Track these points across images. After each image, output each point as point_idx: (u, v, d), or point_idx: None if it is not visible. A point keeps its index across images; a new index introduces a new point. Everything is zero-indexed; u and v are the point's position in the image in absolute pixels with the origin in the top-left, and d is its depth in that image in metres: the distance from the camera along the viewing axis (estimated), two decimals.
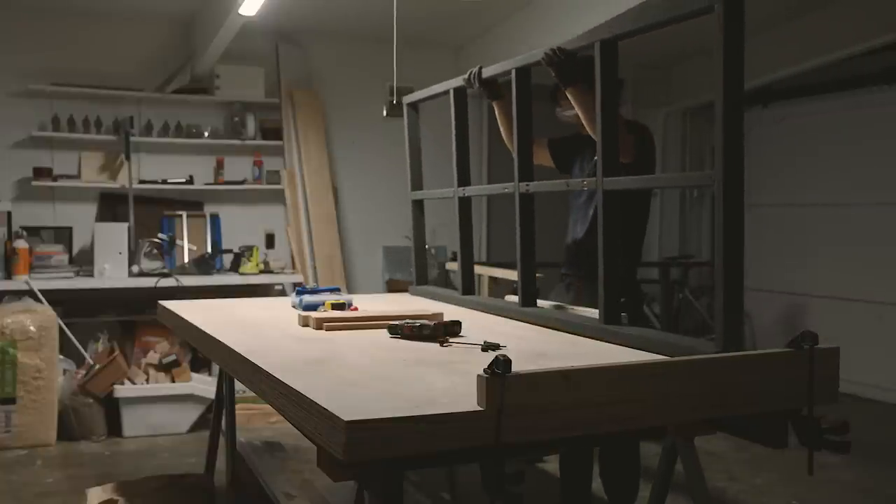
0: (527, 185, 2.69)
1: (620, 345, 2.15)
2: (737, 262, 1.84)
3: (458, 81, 3.08)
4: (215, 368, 4.65)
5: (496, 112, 3.11)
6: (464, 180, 3.11)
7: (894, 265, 5.59)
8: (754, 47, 5.98)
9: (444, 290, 3.39)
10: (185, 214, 5.85)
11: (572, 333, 2.36)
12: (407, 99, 3.49)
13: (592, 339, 2.27)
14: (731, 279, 1.84)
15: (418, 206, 3.54)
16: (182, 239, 5.81)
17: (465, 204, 3.13)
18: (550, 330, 2.50)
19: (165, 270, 5.31)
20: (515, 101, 2.67)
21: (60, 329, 4.67)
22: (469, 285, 3.18)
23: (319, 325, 2.47)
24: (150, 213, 5.72)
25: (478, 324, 2.59)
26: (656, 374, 1.59)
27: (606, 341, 2.21)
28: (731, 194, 1.82)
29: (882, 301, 5.65)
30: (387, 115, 6.43)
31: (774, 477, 3.93)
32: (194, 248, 5.78)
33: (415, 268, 3.56)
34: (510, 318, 2.73)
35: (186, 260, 5.67)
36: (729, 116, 1.80)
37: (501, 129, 3.14)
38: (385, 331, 2.36)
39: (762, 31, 5.61)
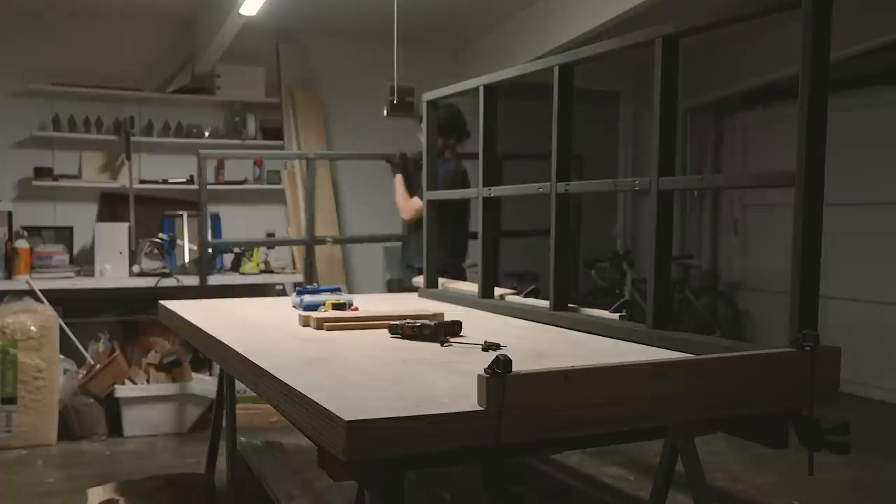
0: (565, 185, 2.60)
1: (670, 349, 2.07)
2: (814, 268, 1.83)
3: (487, 79, 3.02)
4: (215, 368, 4.65)
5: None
6: (490, 180, 3.06)
7: (894, 265, 5.59)
8: (755, 47, 6.00)
9: (458, 293, 3.32)
10: (185, 214, 5.85)
11: (620, 340, 2.27)
12: (427, 96, 3.46)
13: (641, 344, 2.18)
14: (808, 286, 1.81)
15: (433, 206, 3.52)
16: (182, 239, 5.81)
17: (489, 205, 3.07)
18: (552, 331, 2.50)
19: (166, 270, 5.31)
20: (557, 99, 2.60)
21: (61, 329, 4.67)
22: (489, 288, 3.09)
23: (320, 325, 2.47)
24: (150, 213, 5.72)
25: (479, 324, 2.59)
26: (656, 374, 1.59)
27: (656, 347, 2.13)
28: (812, 193, 1.81)
29: (882, 301, 5.65)
30: (387, 114, 6.43)
31: (775, 477, 3.93)
32: (195, 247, 5.78)
33: (426, 269, 3.50)
34: (539, 323, 2.63)
35: (187, 260, 5.67)
36: (813, 116, 1.78)
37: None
38: (385, 331, 2.36)
39: (763, 32, 5.61)
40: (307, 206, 4.68)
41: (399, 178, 4.48)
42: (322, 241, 5.35)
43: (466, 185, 4.24)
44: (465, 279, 4.17)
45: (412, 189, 4.41)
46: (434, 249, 3.53)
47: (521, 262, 6.15)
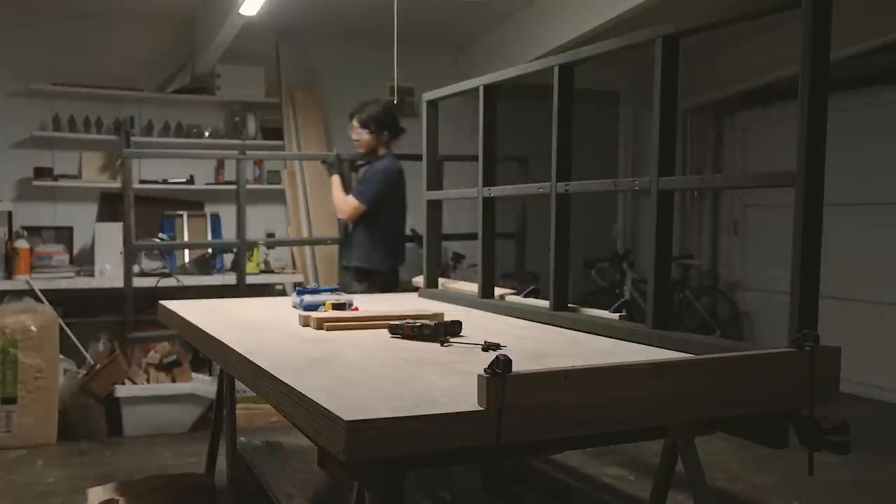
0: (565, 185, 2.59)
1: (670, 349, 2.07)
2: (814, 268, 1.83)
3: (487, 79, 3.01)
4: (215, 368, 4.65)
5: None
6: (489, 180, 3.06)
7: (894, 265, 5.59)
8: (755, 47, 6.00)
9: (458, 293, 3.32)
10: (185, 214, 5.85)
11: (620, 340, 2.26)
12: (427, 96, 3.47)
13: (641, 344, 2.18)
14: (808, 286, 1.82)
15: (434, 206, 3.52)
16: (183, 239, 5.81)
17: (489, 205, 3.08)
18: (552, 331, 2.50)
19: (166, 270, 5.31)
20: (557, 99, 2.60)
21: (61, 329, 4.67)
22: (489, 288, 3.10)
23: (320, 324, 2.47)
24: (150, 213, 5.72)
25: (479, 324, 2.59)
26: (657, 374, 1.59)
27: (657, 347, 2.13)
28: (812, 193, 1.81)
29: (883, 301, 5.65)
30: None
31: (775, 477, 3.93)
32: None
33: (426, 270, 3.50)
34: (539, 323, 2.63)
35: (187, 260, 5.67)
36: (813, 116, 1.79)
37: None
38: (385, 331, 2.36)
39: (763, 31, 5.61)
40: (239, 206, 4.72)
41: (336, 178, 4.57)
42: (255, 245, 5.36)
43: (403, 184, 4.48)
44: (397, 286, 4.39)
45: (347, 190, 4.54)
46: (434, 250, 3.54)
47: (520, 262, 6.14)
